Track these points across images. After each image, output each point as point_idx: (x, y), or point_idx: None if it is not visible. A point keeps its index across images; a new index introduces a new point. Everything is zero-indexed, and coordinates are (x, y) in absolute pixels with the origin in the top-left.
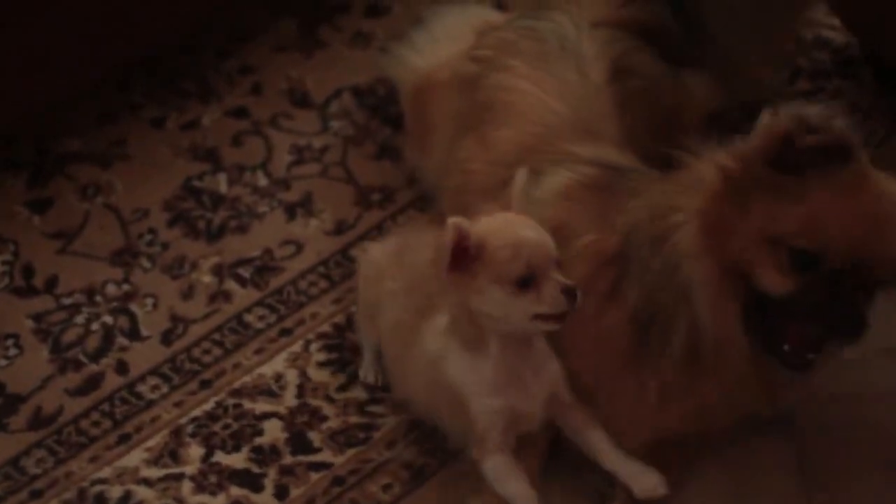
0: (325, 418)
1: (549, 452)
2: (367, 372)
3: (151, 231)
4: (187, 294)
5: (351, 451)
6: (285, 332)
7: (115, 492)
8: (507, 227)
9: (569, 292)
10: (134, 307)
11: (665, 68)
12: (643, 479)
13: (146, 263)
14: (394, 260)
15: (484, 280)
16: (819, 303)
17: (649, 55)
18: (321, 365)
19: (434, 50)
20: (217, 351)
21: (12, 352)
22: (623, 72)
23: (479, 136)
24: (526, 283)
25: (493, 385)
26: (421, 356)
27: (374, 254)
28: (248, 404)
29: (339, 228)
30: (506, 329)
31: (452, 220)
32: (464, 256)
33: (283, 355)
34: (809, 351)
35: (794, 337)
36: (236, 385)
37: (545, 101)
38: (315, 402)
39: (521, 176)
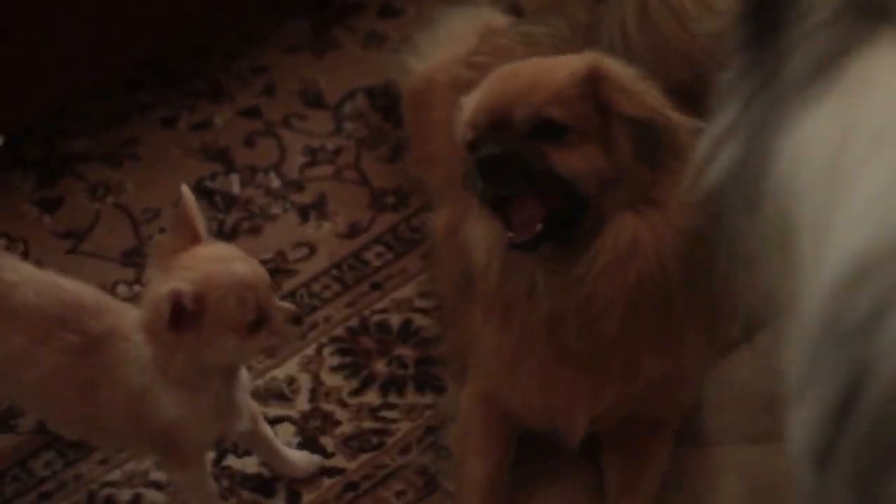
0: (337, 423)
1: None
2: None
3: (163, 231)
4: None
5: (364, 457)
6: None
7: (125, 495)
8: (222, 271)
9: (296, 319)
10: None
11: None
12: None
13: None
14: None
15: (212, 332)
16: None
17: None
18: (334, 369)
19: (435, 53)
20: None
21: None
22: None
23: None
24: (258, 323)
25: (211, 416)
26: (113, 388)
27: None
28: (260, 408)
29: (353, 231)
30: (233, 366)
31: (169, 288)
32: (184, 315)
33: (296, 359)
34: (525, 228)
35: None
36: (248, 388)
37: None
38: (328, 407)
39: (187, 193)
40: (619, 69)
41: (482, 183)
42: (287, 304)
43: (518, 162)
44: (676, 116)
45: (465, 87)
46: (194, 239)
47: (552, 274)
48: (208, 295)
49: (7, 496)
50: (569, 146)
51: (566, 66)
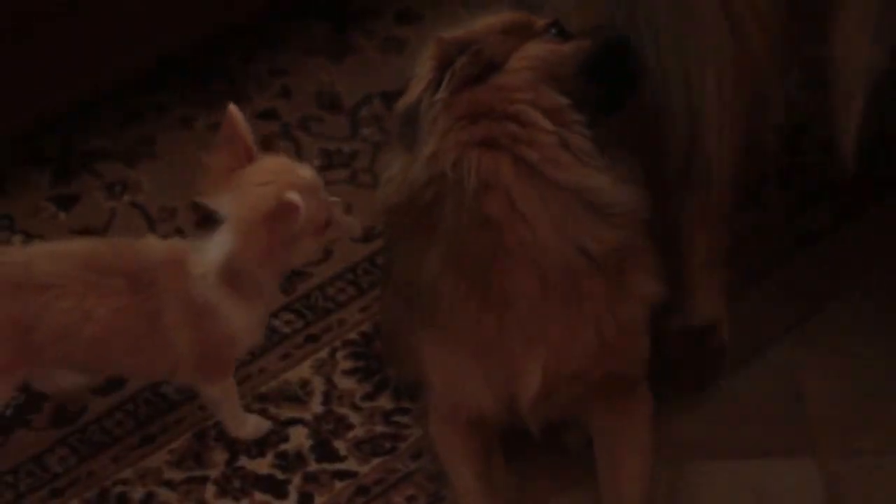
0: (350, 427)
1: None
2: None
3: (179, 231)
4: None
5: (376, 461)
6: (312, 339)
7: (137, 493)
8: (295, 178)
9: (347, 208)
10: None
11: None
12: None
13: None
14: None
15: (300, 237)
16: None
17: None
18: (347, 373)
19: None
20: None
21: None
22: None
23: None
24: (328, 221)
25: (259, 325)
26: (177, 311)
27: None
28: (273, 410)
29: (367, 235)
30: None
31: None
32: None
33: (310, 362)
34: None
35: None
36: (262, 390)
37: None
38: (341, 410)
39: (234, 112)
40: None
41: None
42: (335, 198)
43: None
44: None
45: None
46: (248, 155)
47: None
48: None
49: (21, 491)
50: None
51: None
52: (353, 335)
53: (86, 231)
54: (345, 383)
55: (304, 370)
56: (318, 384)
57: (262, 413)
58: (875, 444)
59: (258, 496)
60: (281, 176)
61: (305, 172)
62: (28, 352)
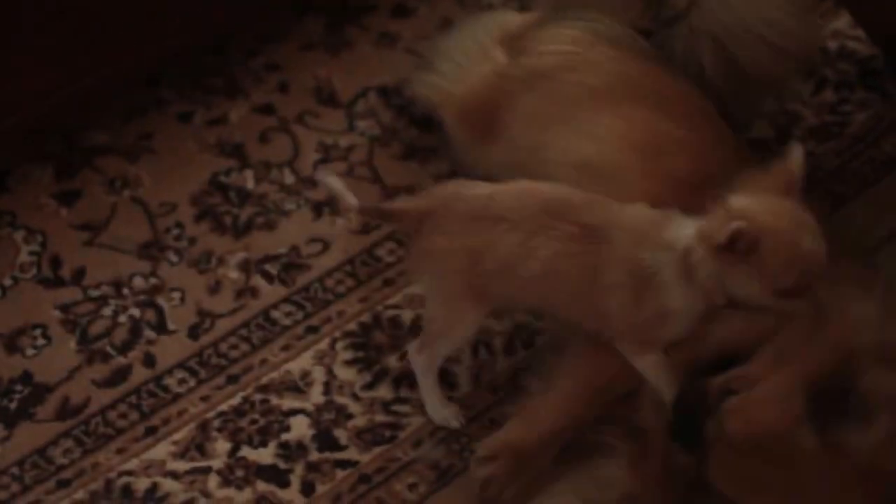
0: (351, 416)
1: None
2: (442, 414)
3: (179, 225)
4: (214, 289)
5: (377, 450)
6: (312, 330)
7: (142, 484)
8: (787, 232)
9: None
10: (161, 301)
11: None
12: None
13: (173, 257)
14: (480, 217)
15: (747, 272)
16: None
17: None
18: (347, 363)
19: (466, 73)
20: (244, 346)
21: (40, 342)
22: None
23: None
24: (787, 294)
25: (696, 317)
26: (618, 272)
27: (443, 241)
28: (274, 400)
29: (366, 228)
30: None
31: (733, 225)
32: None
33: (310, 353)
34: None
35: None
36: (263, 381)
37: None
38: (341, 400)
39: (797, 152)
40: None
41: None
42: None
43: None
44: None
45: (539, 76)
46: (787, 190)
47: None
48: (762, 244)
49: (26, 483)
50: None
51: None
52: (352, 326)
53: (87, 226)
54: (345, 373)
55: (304, 361)
56: (319, 375)
57: (264, 404)
58: None
59: (261, 486)
60: (781, 221)
61: (804, 241)
62: (477, 282)
